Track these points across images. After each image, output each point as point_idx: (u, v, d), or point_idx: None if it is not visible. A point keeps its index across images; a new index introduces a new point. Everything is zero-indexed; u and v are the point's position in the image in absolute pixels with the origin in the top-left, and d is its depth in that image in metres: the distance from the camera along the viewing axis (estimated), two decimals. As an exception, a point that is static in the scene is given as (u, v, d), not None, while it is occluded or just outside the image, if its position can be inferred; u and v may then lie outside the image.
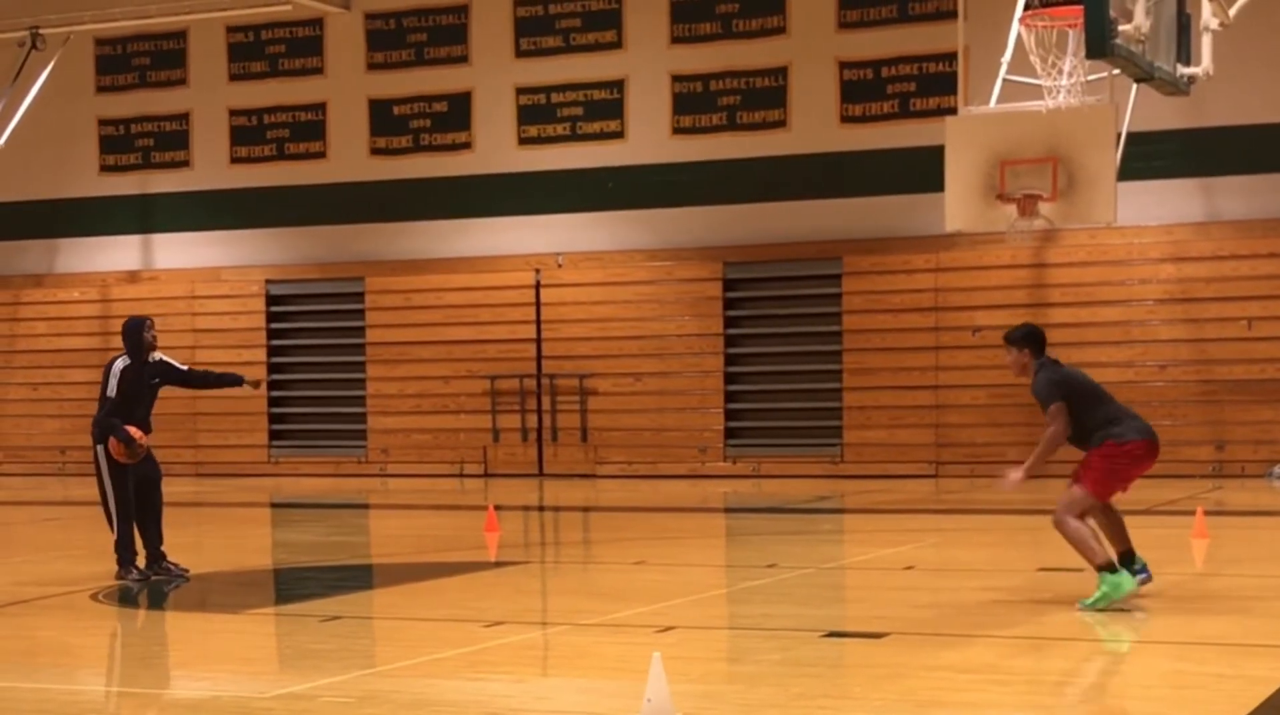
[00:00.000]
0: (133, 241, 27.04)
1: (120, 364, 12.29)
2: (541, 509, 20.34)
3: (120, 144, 27.11)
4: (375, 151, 25.71)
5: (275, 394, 26.25)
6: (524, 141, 24.98)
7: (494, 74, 25.08)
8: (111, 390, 12.19)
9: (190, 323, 26.27)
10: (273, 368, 26.21)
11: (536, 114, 24.90)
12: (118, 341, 12.92)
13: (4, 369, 27.59)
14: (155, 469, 12.43)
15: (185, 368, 12.83)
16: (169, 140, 26.83)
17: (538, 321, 24.74)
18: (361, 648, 9.56)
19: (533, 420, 24.68)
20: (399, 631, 10.16)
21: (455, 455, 25.04)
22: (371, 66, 25.76)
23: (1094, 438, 10.23)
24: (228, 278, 26.40)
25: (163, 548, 12.38)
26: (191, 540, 15.33)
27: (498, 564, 13.76)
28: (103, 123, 27.19)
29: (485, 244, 25.10)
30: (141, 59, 26.94)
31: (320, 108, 26.02)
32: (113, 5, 25.29)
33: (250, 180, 26.40)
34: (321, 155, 26.01)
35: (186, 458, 25.81)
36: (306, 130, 26.08)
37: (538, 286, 24.73)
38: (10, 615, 10.97)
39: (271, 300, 26.25)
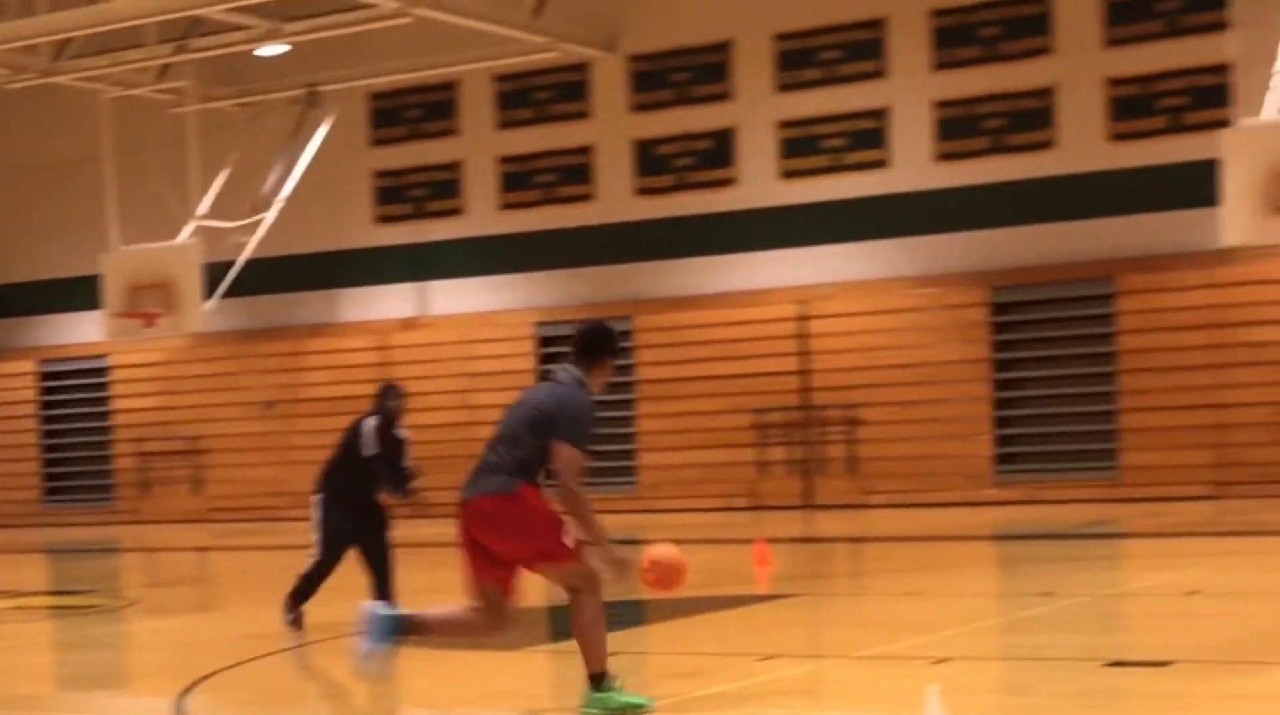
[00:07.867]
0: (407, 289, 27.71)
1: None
2: (809, 541, 20.24)
3: (394, 195, 27.86)
4: (641, 192, 25.99)
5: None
6: (787, 174, 25.02)
7: (756, 111, 25.19)
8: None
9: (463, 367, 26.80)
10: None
11: (799, 148, 24.92)
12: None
13: (290, 417, 28.37)
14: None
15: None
16: (442, 189, 27.46)
17: (802, 354, 24.66)
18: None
19: (799, 452, 24.61)
20: (674, 665, 10.17)
21: (722, 489, 25.03)
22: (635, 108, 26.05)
23: None
24: (499, 322, 26.86)
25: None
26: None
27: (769, 597, 13.74)
28: (379, 175, 27.99)
29: (740, 279, 25.18)
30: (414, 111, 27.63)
31: (586, 150, 26.40)
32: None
33: (520, 225, 26.88)
34: (587, 198, 26.38)
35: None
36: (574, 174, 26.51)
37: (802, 319, 24.66)
38: None
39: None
